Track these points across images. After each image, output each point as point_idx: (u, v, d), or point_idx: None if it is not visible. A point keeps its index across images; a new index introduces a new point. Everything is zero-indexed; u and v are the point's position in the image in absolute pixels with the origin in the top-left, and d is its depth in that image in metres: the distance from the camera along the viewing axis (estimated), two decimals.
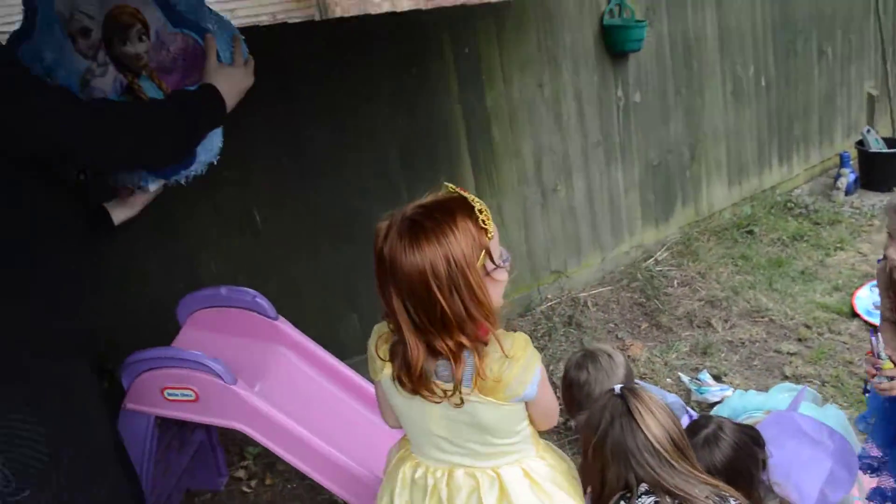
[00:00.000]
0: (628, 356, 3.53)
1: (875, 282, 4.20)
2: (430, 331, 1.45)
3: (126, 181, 1.90)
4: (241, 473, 3.12)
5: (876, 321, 3.75)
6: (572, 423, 2.89)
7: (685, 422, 2.49)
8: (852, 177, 5.47)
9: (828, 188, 5.55)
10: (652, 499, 1.76)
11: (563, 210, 4.22)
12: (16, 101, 1.42)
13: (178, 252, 3.13)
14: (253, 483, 3.09)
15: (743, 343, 3.64)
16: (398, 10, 4.36)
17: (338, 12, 5.46)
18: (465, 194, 1.55)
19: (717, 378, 3.36)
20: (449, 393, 1.51)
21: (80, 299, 1.66)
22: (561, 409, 2.06)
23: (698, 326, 3.86)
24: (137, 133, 1.61)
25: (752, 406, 2.85)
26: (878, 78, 6.22)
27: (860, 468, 2.38)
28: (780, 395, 2.87)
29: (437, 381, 1.53)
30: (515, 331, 1.62)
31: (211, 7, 1.85)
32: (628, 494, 1.78)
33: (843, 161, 5.52)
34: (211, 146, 1.87)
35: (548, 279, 4.23)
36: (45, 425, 1.51)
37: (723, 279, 4.29)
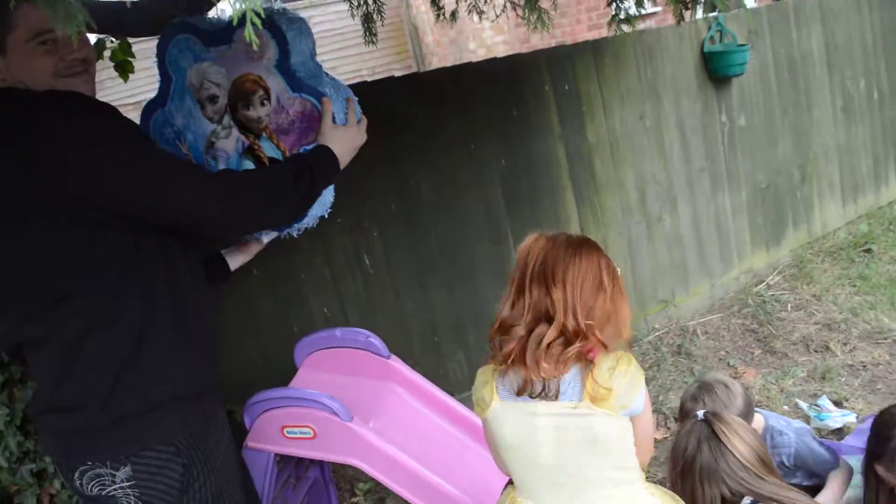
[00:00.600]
0: (742, 384, 3.45)
1: None
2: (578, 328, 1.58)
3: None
4: None
5: None
6: None
7: (813, 446, 2.45)
8: None
9: None
10: None
11: (669, 238, 4.18)
12: (151, 177, 1.58)
13: (291, 298, 3.29)
14: None
15: (864, 366, 3.49)
16: (494, 54, 4.47)
17: (434, 63, 5.65)
18: None
19: (837, 404, 3.23)
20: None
21: (215, 343, 1.81)
22: None
23: (815, 351, 3.72)
24: (262, 200, 1.73)
25: None
26: None
27: None
28: None
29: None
30: None
31: (327, 72, 1.98)
32: None
33: None
34: (324, 201, 1.98)
35: (655, 309, 4.19)
36: (183, 456, 1.65)
37: (840, 301, 4.13)
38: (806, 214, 4.78)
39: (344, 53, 9.75)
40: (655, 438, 3.18)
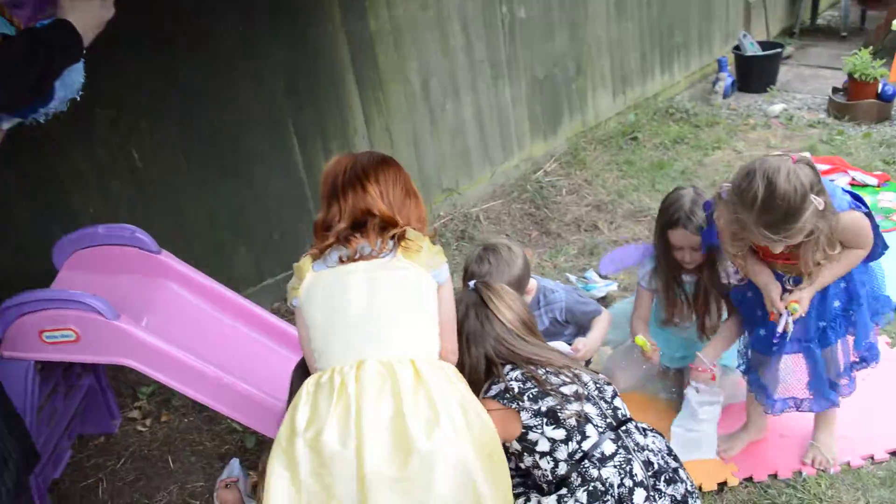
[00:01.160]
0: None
1: None
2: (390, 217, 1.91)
3: None
4: (135, 414, 3.11)
5: None
6: None
7: (580, 299, 2.76)
8: (729, 80, 5.69)
9: (707, 92, 5.76)
10: (518, 372, 1.95)
11: (452, 128, 4.25)
12: None
13: (49, 197, 3.01)
14: (148, 422, 3.09)
15: (627, 241, 3.81)
16: None
17: None
18: None
19: (604, 277, 3.51)
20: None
21: None
22: None
23: (585, 230, 4.01)
24: None
25: None
26: None
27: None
28: None
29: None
30: None
31: None
32: (497, 379, 1.95)
33: (721, 66, 5.72)
34: (71, 82, 1.80)
35: (440, 197, 4.29)
36: None
37: (608, 184, 4.45)
38: (580, 105, 5.04)
39: None
40: None
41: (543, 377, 1.95)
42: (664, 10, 5.52)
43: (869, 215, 2.15)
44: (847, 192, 2.16)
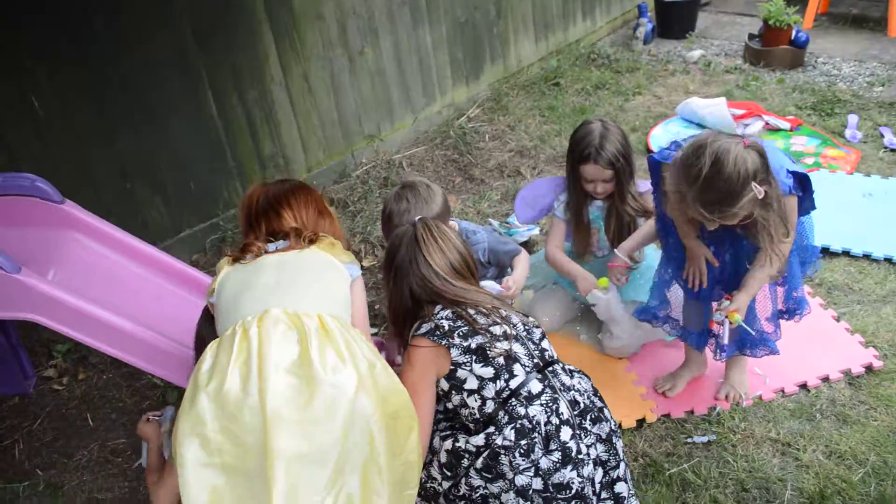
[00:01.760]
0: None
1: (668, 121, 4.50)
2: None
3: None
4: (50, 372, 3.01)
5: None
6: None
7: (501, 239, 2.79)
8: (650, 26, 5.72)
9: (628, 39, 5.79)
10: (448, 311, 1.95)
11: (372, 73, 4.16)
12: None
13: None
14: (64, 380, 2.99)
15: None
16: None
17: None
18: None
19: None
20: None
21: None
22: None
23: (508, 175, 4.01)
24: None
25: None
26: None
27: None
28: None
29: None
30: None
31: None
32: (427, 318, 1.96)
33: (641, 12, 5.74)
34: None
35: (361, 144, 4.21)
36: None
37: (531, 130, 4.44)
38: (502, 50, 4.99)
39: None
40: (363, 266, 3.28)
41: (472, 317, 1.94)
42: None
43: (808, 181, 2.17)
44: (792, 173, 2.15)
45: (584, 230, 2.82)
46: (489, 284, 2.49)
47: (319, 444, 1.62)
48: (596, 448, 1.93)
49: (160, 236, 3.42)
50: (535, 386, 1.89)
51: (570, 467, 1.84)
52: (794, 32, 5.00)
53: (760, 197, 1.96)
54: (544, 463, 1.83)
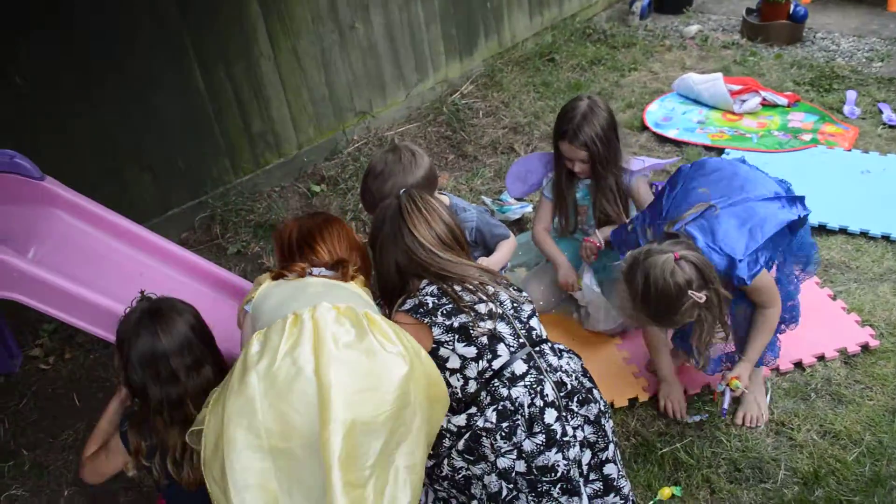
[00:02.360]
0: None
1: (665, 97, 4.45)
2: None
3: None
4: (36, 352, 2.98)
5: (664, 132, 3.99)
6: None
7: (490, 220, 2.70)
8: (646, 1, 5.63)
9: (624, 13, 5.70)
10: (433, 287, 1.91)
11: (364, 48, 4.08)
12: None
13: None
14: (51, 359, 2.96)
15: None
16: None
17: None
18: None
19: (518, 199, 3.47)
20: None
21: None
22: None
23: (502, 152, 3.95)
24: None
25: None
26: None
27: None
28: None
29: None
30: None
31: None
32: (413, 294, 1.92)
33: None
34: None
35: (353, 121, 4.15)
36: None
37: (525, 106, 4.38)
38: (496, 25, 4.90)
39: None
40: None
41: (458, 294, 1.90)
42: None
43: (802, 199, 2.23)
44: (781, 197, 2.20)
45: (566, 207, 2.80)
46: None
47: (374, 415, 1.60)
48: (583, 430, 1.90)
49: (148, 214, 3.37)
50: (520, 367, 1.86)
51: (554, 450, 1.81)
52: (792, 7, 4.92)
53: (702, 301, 2.01)
54: (528, 445, 1.80)
